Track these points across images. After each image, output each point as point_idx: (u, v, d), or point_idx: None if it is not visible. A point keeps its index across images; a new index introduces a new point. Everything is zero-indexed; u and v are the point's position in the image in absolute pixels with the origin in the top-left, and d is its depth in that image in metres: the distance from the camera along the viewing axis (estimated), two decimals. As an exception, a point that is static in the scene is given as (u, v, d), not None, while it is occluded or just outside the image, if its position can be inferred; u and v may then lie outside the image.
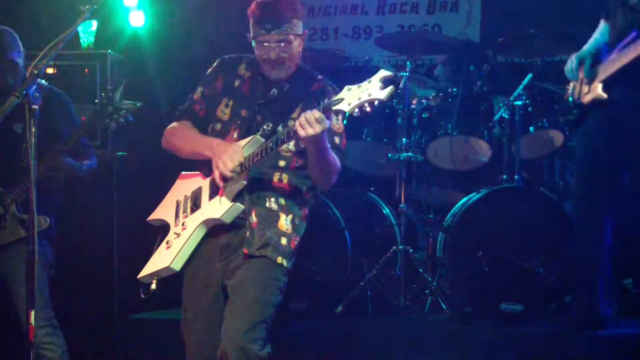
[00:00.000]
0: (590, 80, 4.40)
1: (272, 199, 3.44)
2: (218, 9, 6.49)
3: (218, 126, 3.55)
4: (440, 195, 5.74)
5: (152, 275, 3.43)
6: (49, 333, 4.00)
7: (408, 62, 5.50)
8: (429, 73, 6.46)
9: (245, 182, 3.37)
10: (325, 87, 3.50)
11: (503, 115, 5.31)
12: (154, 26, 5.93)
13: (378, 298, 5.17)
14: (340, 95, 3.11)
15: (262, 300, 3.33)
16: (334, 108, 3.11)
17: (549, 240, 4.90)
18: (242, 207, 3.36)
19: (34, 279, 2.98)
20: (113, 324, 5.13)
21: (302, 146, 3.35)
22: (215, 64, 3.67)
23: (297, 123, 3.16)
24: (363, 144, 5.59)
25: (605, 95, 4.31)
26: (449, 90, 5.52)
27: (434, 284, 5.10)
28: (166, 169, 3.90)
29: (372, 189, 5.57)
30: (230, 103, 3.55)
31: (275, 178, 3.46)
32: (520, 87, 5.28)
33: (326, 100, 3.16)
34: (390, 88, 3.02)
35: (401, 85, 5.37)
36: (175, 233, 3.47)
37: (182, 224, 3.47)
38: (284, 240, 3.42)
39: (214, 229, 3.42)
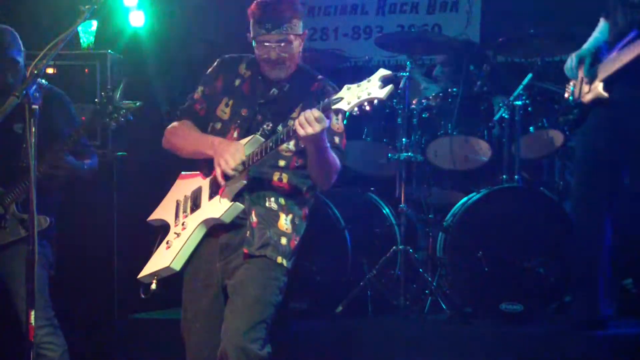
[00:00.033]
0: (591, 79, 4.40)
1: (272, 199, 3.44)
2: (218, 9, 6.49)
3: (218, 125, 3.55)
4: (440, 195, 5.74)
5: (152, 275, 3.43)
6: (49, 333, 4.00)
7: (408, 62, 5.50)
8: (428, 73, 6.46)
9: (245, 182, 3.37)
10: (325, 87, 3.50)
11: (503, 115, 5.31)
12: (154, 26, 5.93)
13: (378, 298, 5.17)
14: (339, 94, 3.11)
15: (262, 300, 3.33)
16: (334, 107, 3.11)
17: (549, 240, 4.90)
18: (241, 206, 3.36)
19: (34, 279, 2.98)
20: (113, 324, 5.12)
21: (302, 146, 3.36)
22: (215, 63, 3.67)
23: (296, 122, 3.16)
24: (363, 144, 5.59)
25: (606, 94, 4.31)
26: (449, 90, 5.52)
27: (434, 284, 5.10)
28: (166, 169, 3.90)
29: (372, 189, 5.57)
30: (231, 102, 3.56)
31: (275, 178, 3.46)
32: (520, 87, 5.28)
33: (326, 100, 3.16)
34: (389, 87, 3.02)
35: (401, 85, 5.37)
36: (175, 233, 3.48)
37: (182, 224, 3.47)
38: (283, 240, 3.42)
39: (214, 228, 3.42)
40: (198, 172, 3.58)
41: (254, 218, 3.40)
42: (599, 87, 4.34)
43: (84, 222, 4.97)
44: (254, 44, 3.49)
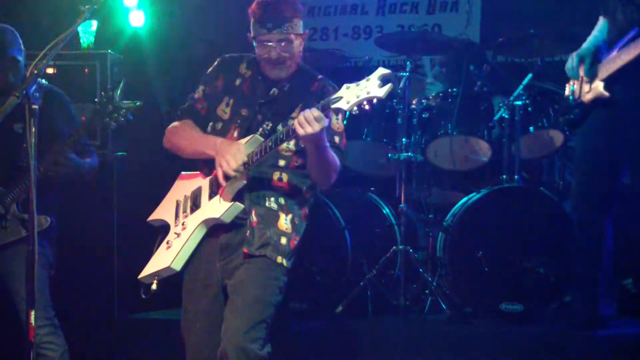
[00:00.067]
0: (591, 78, 4.40)
1: (272, 199, 3.44)
2: (218, 9, 6.49)
3: (219, 125, 3.55)
4: (440, 195, 5.74)
5: (152, 275, 3.43)
6: (49, 332, 4.00)
7: (408, 62, 5.50)
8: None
9: (245, 182, 3.37)
10: (325, 87, 3.50)
11: (503, 115, 5.31)
12: (153, 26, 5.93)
13: (378, 298, 5.17)
14: (339, 94, 3.11)
15: (262, 300, 3.33)
16: (333, 106, 3.11)
17: (549, 240, 4.90)
18: (241, 206, 3.36)
19: (34, 279, 2.98)
20: (113, 324, 5.12)
21: (302, 145, 3.35)
22: (216, 62, 3.67)
23: (296, 122, 3.17)
24: (363, 144, 5.58)
25: (607, 93, 4.31)
26: (449, 90, 5.52)
27: (434, 284, 5.10)
28: (166, 169, 3.90)
29: (372, 189, 5.57)
30: (231, 102, 3.56)
31: (275, 177, 3.46)
32: (520, 87, 5.28)
33: (325, 99, 3.16)
34: (388, 86, 3.02)
35: (401, 85, 5.37)
36: (175, 233, 3.47)
37: (182, 224, 3.47)
38: (283, 240, 3.42)
39: (214, 228, 3.42)
40: (198, 172, 3.58)
41: (254, 218, 3.40)
42: (599, 86, 4.34)
43: (84, 222, 4.97)
44: (254, 43, 3.49)
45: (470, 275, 4.93)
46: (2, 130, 3.85)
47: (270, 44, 3.42)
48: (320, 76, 3.58)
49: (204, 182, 3.50)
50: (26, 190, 3.87)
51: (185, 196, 3.54)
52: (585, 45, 4.48)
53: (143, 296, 3.46)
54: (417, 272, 5.18)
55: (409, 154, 5.33)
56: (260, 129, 3.44)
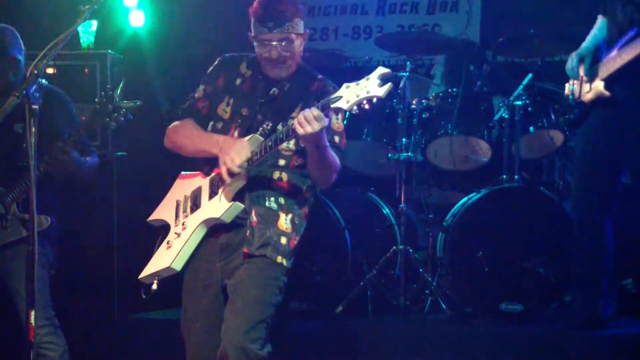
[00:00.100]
0: (591, 78, 4.40)
1: (272, 198, 3.44)
2: (218, 9, 6.48)
3: (219, 124, 3.55)
4: (440, 195, 5.74)
5: (153, 275, 3.43)
6: (49, 332, 4.00)
7: (408, 62, 5.50)
8: (428, 73, 6.46)
9: (244, 181, 3.37)
10: (325, 87, 3.50)
11: (503, 115, 5.30)
12: (153, 26, 5.93)
13: (378, 298, 5.17)
14: (338, 93, 3.11)
15: (262, 300, 3.33)
16: (333, 106, 3.11)
17: (549, 240, 4.90)
18: (242, 206, 3.36)
19: (34, 278, 2.98)
20: (113, 324, 5.13)
21: (302, 145, 3.35)
22: (216, 62, 3.67)
23: (295, 121, 3.17)
24: (363, 144, 5.58)
25: (608, 93, 4.31)
26: (449, 90, 5.52)
27: (434, 284, 5.10)
28: (166, 169, 3.91)
29: (372, 189, 5.57)
30: (231, 101, 3.56)
31: (275, 177, 3.46)
32: (520, 87, 5.28)
33: (325, 98, 3.16)
34: (388, 85, 3.02)
35: (401, 85, 5.38)
36: (175, 233, 3.47)
37: (182, 224, 3.47)
38: (283, 240, 3.42)
39: (214, 228, 3.42)
40: (198, 172, 3.58)
41: (254, 217, 3.40)
42: (600, 86, 4.34)
43: (84, 222, 4.97)
44: (255, 42, 3.49)
45: (470, 275, 4.93)
46: (2, 130, 3.86)
47: (271, 43, 3.42)
48: (320, 76, 3.58)
49: (204, 182, 3.50)
50: (26, 190, 3.87)
51: (185, 196, 3.54)
52: (584, 44, 4.47)
53: (143, 296, 3.46)
54: (417, 272, 5.17)
55: (409, 154, 5.33)
56: (260, 129, 3.44)
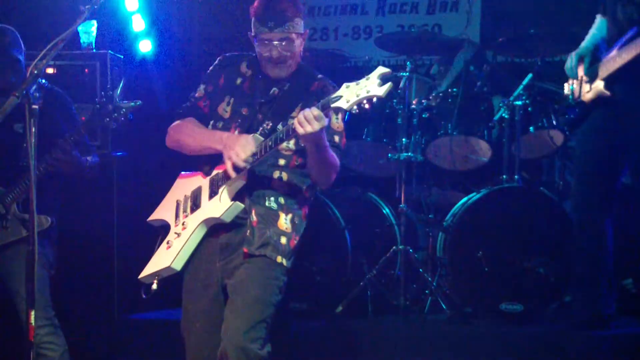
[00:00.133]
0: (591, 78, 4.40)
1: (272, 198, 3.44)
2: (218, 9, 6.48)
3: (220, 124, 3.54)
4: (440, 195, 5.74)
5: (153, 275, 3.43)
6: (49, 332, 4.00)
7: (408, 62, 5.51)
8: (428, 73, 6.46)
9: (244, 181, 3.37)
10: (325, 87, 3.50)
11: (503, 115, 5.31)
12: (154, 27, 5.93)
13: (378, 298, 5.17)
14: (338, 93, 3.11)
15: (262, 300, 3.33)
16: (333, 105, 3.11)
17: (549, 240, 4.90)
18: (242, 205, 3.36)
19: (34, 278, 2.99)
20: (113, 324, 5.12)
21: (302, 144, 3.35)
22: (216, 61, 3.67)
23: (295, 121, 3.16)
24: (363, 144, 5.59)
25: (608, 92, 4.31)
26: (449, 90, 5.52)
27: (434, 284, 5.10)
28: (166, 169, 3.90)
29: (372, 189, 5.57)
30: (232, 101, 3.56)
31: (275, 176, 3.46)
32: (520, 87, 5.28)
33: (325, 98, 3.16)
34: (388, 85, 3.02)
35: (401, 85, 5.38)
36: (175, 233, 3.47)
37: (182, 224, 3.47)
38: (283, 240, 3.42)
39: (214, 228, 3.42)
40: (198, 172, 3.58)
41: (254, 217, 3.40)
42: (600, 85, 4.34)
43: (84, 222, 4.97)
44: (255, 42, 3.49)
45: (470, 275, 4.93)
46: (2, 130, 3.85)
47: (271, 42, 3.43)
48: (320, 76, 3.58)
49: (204, 182, 3.50)
50: (26, 190, 3.87)
51: (185, 196, 3.54)
52: (584, 44, 4.48)
53: (143, 296, 3.45)
54: (417, 272, 5.18)
55: (409, 154, 5.33)
56: (260, 128, 3.44)
